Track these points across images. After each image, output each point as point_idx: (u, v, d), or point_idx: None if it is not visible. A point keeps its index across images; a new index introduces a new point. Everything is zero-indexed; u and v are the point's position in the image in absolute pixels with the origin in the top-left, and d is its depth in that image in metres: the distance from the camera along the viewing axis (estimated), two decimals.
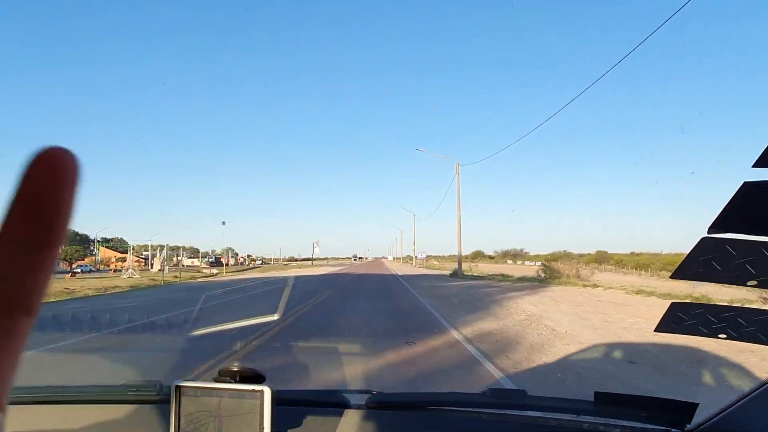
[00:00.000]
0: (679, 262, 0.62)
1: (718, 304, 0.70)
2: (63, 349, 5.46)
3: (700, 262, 0.60)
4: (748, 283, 0.60)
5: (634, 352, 5.25)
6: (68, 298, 14.23)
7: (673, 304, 0.71)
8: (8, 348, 0.17)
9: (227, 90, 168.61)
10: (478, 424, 1.00)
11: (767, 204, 0.53)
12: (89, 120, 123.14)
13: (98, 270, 48.16)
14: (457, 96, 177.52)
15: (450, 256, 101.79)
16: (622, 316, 8.32)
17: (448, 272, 29.64)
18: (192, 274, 35.45)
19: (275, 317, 1.58)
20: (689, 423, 0.88)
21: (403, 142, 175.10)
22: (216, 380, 0.92)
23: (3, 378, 0.17)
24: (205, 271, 42.14)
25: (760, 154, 0.49)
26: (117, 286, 19.41)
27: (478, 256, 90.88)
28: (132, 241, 41.83)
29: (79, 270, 43.31)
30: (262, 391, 0.86)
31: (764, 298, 9.46)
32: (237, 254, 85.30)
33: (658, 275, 34.35)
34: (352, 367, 4.34)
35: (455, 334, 6.45)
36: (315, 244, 63.46)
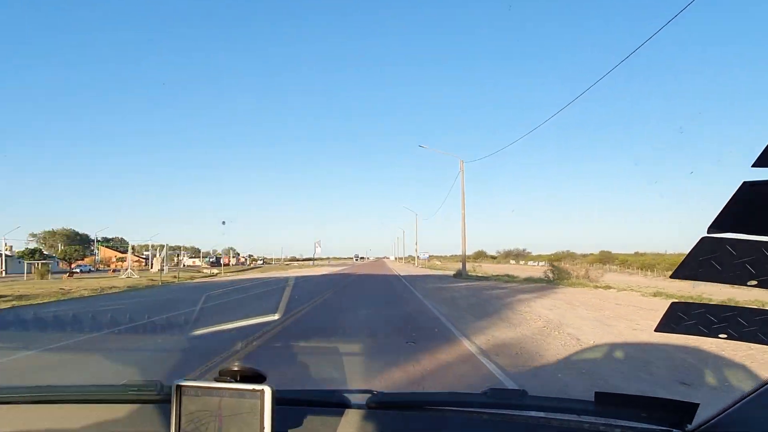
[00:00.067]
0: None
1: (718, 303, 0.74)
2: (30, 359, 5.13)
3: (700, 262, 0.60)
4: (749, 283, 0.60)
5: (683, 370, 4.46)
6: (63, 298, 13.97)
7: (673, 303, 0.71)
8: None
9: (227, 90, 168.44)
10: (479, 424, 1.00)
11: (767, 204, 0.53)
12: (88, 119, 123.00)
13: (98, 270, 47.99)
14: (460, 95, 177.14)
15: (452, 256, 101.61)
16: (649, 322, 7.36)
17: (451, 273, 29.33)
18: (192, 274, 35.41)
19: (276, 317, 1.58)
20: (690, 423, 0.88)
21: (406, 142, 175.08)
22: (216, 380, 0.92)
23: None
24: (205, 271, 42.03)
25: (760, 153, 0.50)
26: (114, 287, 19.21)
27: (480, 256, 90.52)
28: (133, 241, 41.65)
29: (78, 270, 43.16)
30: (262, 391, 0.86)
31: None
32: (238, 254, 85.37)
33: (664, 276, 33.90)
34: (353, 371, 4.20)
35: (467, 345, 5.78)
36: (316, 244, 63.47)
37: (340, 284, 18.14)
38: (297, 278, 21.44)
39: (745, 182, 0.51)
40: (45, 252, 47.91)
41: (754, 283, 0.59)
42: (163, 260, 36.32)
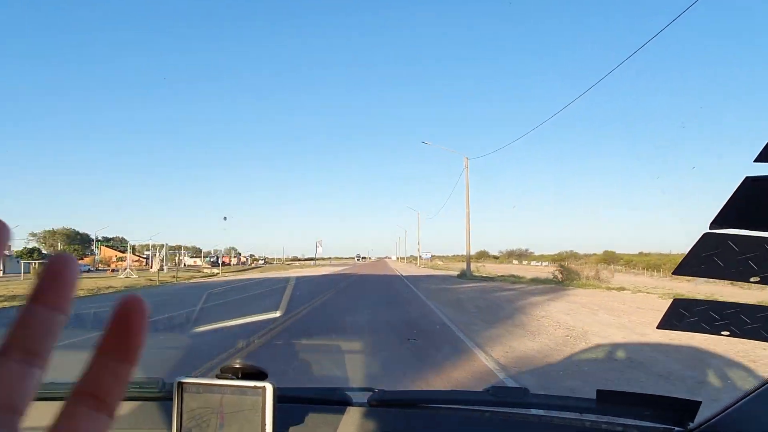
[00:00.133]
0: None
1: (721, 300, 0.70)
2: None
3: (702, 258, 0.59)
4: (751, 280, 0.60)
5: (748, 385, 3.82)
6: None
7: (675, 300, 0.71)
8: None
9: (228, 89, 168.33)
10: (481, 422, 1.00)
11: None
12: (89, 117, 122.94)
13: (97, 270, 47.69)
14: (461, 94, 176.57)
15: (454, 256, 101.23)
16: None
17: (454, 273, 28.90)
18: (191, 273, 35.24)
19: (278, 314, 1.74)
20: (692, 421, 0.88)
21: (408, 142, 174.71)
22: (218, 377, 0.92)
23: None
24: (205, 270, 41.82)
25: (762, 148, 0.49)
26: (111, 287, 18.97)
27: (482, 256, 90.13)
28: (134, 241, 41.48)
29: None
30: (264, 388, 0.86)
31: None
32: (240, 254, 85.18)
33: (671, 276, 33.39)
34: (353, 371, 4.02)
35: (483, 360, 5.01)
36: (318, 244, 63.12)
37: (340, 284, 17.70)
38: (296, 278, 20.98)
39: (747, 177, 0.50)
40: (44, 251, 47.68)
41: (757, 279, 0.59)
42: (162, 260, 36.02)
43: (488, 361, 4.99)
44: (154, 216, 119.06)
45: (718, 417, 0.82)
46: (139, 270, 37.37)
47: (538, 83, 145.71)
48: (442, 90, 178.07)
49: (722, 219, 0.54)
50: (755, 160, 0.50)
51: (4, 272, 39.71)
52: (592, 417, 0.96)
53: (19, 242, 48.32)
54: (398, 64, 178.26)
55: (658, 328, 0.74)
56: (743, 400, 0.80)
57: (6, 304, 11.77)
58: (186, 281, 25.31)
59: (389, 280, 21.53)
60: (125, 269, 31.61)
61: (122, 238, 62.58)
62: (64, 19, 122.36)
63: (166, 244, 42.12)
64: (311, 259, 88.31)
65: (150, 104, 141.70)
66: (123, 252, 52.35)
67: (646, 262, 47.19)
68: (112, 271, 39.89)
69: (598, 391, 0.94)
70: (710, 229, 0.56)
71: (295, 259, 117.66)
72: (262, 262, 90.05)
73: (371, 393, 1.07)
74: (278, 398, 0.86)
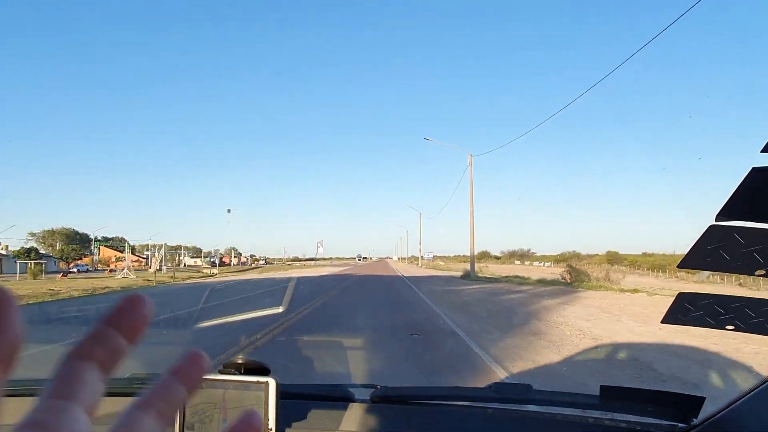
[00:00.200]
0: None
1: (726, 294, 0.69)
2: None
3: (707, 251, 0.58)
4: (756, 273, 0.58)
5: None
6: (48, 299, 13.45)
7: (680, 294, 0.70)
8: None
9: (229, 88, 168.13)
10: (484, 419, 0.99)
11: None
12: (88, 116, 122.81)
13: (96, 270, 47.37)
14: (462, 93, 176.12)
15: (455, 256, 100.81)
16: (728, 339, 5.76)
17: (457, 273, 28.52)
18: (190, 274, 35.12)
19: (280, 309, 1.62)
20: (696, 417, 0.87)
21: (410, 141, 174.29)
22: (221, 372, 0.92)
23: None
24: (205, 271, 41.66)
25: None
26: (107, 287, 18.76)
27: (484, 256, 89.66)
28: (134, 241, 41.20)
29: (75, 270, 42.58)
30: (267, 383, 0.85)
31: None
32: (240, 254, 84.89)
33: (677, 277, 32.87)
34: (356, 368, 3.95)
35: (504, 378, 4.33)
36: (319, 244, 62.90)
37: (339, 287, 17.20)
38: (294, 279, 20.57)
39: (754, 168, 0.50)
40: (42, 251, 47.37)
41: (762, 272, 0.58)
42: (161, 260, 35.71)
43: (510, 380, 4.25)
44: (155, 216, 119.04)
45: (722, 413, 0.82)
46: (138, 270, 37.13)
47: (540, 82, 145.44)
48: (444, 89, 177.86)
49: (728, 211, 0.53)
50: (762, 150, 0.50)
51: (0, 272, 39.43)
52: (596, 413, 0.96)
53: (17, 242, 48.05)
54: (399, 63, 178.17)
55: (662, 322, 0.75)
56: (747, 396, 0.79)
57: None
58: (184, 281, 25.05)
59: (391, 282, 21.03)
60: (123, 269, 31.36)
61: (122, 238, 62.25)
62: (65, 19, 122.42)
63: (165, 244, 41.81)
64: (312, 259, 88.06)
65: (150, 104, 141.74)
66: (122, 252, 52.05)
67: (651, 263, 46.76)
68: (110, 271, 39.66)
69: (602, 387, 0.94)
70: (716, 221, 0.54)
71: (296, 259, 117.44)
72: (263, 262, 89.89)
73: (374, 389, 1.07)
74: (281, 394, 0.87)
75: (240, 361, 0.92)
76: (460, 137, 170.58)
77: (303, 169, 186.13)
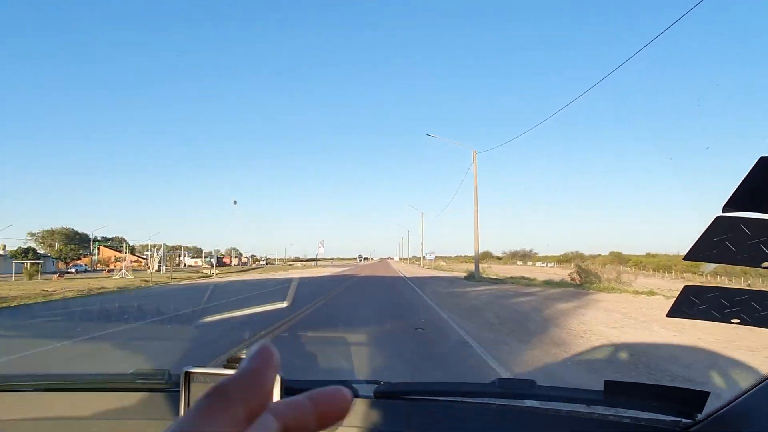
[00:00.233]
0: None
1: (732, 287, 0.69)
2: None
3: (713, 243, 0.58)
4: (763, 265, 0.57)
5: None
6: (41, 300, 13.09)
7: (686, 287, 0.69)
8: None
9: (230, 88, 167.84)
10: (487, 414, 0.99)
11: None
12: (88, 116, 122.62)
13: (95, 270, 47.05)
14: (464, 92, 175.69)
15: (457, 256, 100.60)
16: None
17: (460, 274, 28.10)
18: (189, 274, 35.02)
19: (285, 304, 1.26)
20: (700, 413, 0.87)
21: (411, 141, 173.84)
22: (225, 367, 0.93)
23: None
24: (205, 271, 41.28)
25: None
26: (103, 287, 18.39)
27: (486, 256, 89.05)
28: (133, 241, 40.91)
29: (73, 270, 42.24)
30: None
31: None
32: (241, 254, 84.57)
33: (683, 278, 32.34)
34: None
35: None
36: (319, 245, 62.61)
37: (338, 288, 16.74)
38: (293, 279, 20.17)
39: (762, 157, 0.50)
40: (41, 251, 47.05)
41: None
42: (159, 260, 35.37)
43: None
44: (155, 216, 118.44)
45: (726, 408, 0.82)
46: (137, 270, 36.76)
47: (540, 83, 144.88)
48: (444, 89, 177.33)
49: (736, 201, 0.53)
50: None
51: None
52: (600, 409, 0.97)
53: (16, 242, 47.70)
54: (399, 63, 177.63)
55: (668, 316, 0.74)
56: (752, 391, 0.78)
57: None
58: (182, 282, 24.96)
59: (392, 283, 20.49)
60: (120, 270, 31.07)
61: (121, 238, 61.88)
62: (65, 19, 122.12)
63: (164, 244, 41.53)
64: (313, 259, 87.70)
65: (150, 104, 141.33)
66: (122, 252, 51.72)
67: (656, 264, 46.36)
68: (108, 271, 39.42)
69: (606, 383, 0.93)
70: (723, 212, 0.54)
71: (297, 259, 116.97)
72: (263, 262, 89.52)
73: (377, 385, 1.07)
74: (285, 389, 0.89)
75: (244, 356, 0.68)
76: (460, 137, 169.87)
77: (303, 169, 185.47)
